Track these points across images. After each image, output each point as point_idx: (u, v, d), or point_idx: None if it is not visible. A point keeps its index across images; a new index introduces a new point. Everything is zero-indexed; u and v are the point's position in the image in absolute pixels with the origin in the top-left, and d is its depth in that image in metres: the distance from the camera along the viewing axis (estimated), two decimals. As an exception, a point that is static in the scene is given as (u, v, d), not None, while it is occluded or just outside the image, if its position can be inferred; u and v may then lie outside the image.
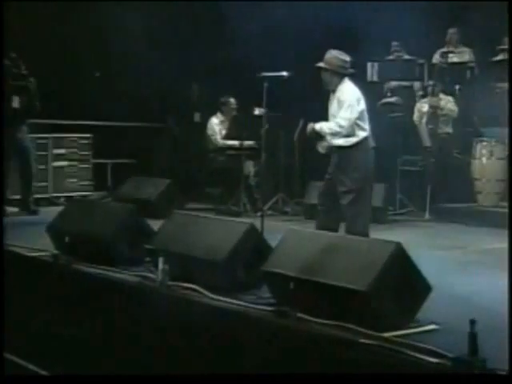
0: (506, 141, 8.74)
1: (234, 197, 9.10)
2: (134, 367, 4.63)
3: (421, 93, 10.30)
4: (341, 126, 6.16)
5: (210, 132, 9.65)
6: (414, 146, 9.36)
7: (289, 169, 9.34)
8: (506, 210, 8.57)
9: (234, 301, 4.52)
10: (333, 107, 6.28)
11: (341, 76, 6.21)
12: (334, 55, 6.23)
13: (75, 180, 10.21)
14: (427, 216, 8.71)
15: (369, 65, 10.52)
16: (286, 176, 9.26)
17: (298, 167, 9.43)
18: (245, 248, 4.84)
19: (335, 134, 6.23)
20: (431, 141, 9.23)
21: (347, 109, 6.16)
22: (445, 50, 10.37)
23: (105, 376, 4.77)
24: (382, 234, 6.47)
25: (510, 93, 7.50)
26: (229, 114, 9.65)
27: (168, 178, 9.28)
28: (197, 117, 11.05)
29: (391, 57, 10.40)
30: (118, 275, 5.30)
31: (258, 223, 5.52)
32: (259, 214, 8.76)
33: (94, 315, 5.00)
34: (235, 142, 9.29)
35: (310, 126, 6.34)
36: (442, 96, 9.42)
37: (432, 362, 3.46)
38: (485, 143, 8.73)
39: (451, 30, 10.37)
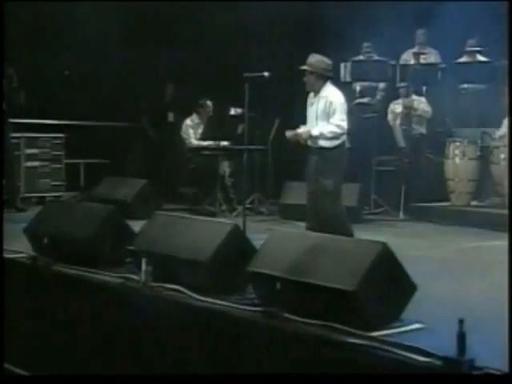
0: (478, 141, 8.89)
1: (210, 197, 9.11)
2: (120, 367, 4.63)
3: (383, 93, 10.42)
4: (342, 128, 6.37)
5: (183, 134, 9.68)
6: (388, 147, 9.45)
7: (264, 169, 9.36)
8: (478, 210, 8.73)
9: (220, 301, 4.51)
10: (318, 109, 6.41)
11: (325, 79, 6.34)
12: (319, 59, 6.39)
13: (48, 180, 10.13)
14: (401, 216, 8.81)
15: (342, 65, 10.61)
16: (261, 176, 9.28)
17: (272, 167, 9.47)
18: (229, 248, 4.83)
19: (336, 137, 6.38)
20: (405, 141, 9.32)
21: (342, 111, 6.39)
22: (414, 50, 10.49)
23: (105, 376, 4.77)
24: (358, 233, 6.53)
25: (510, 93, 7.58)
26: (204, 117, 9.68)
27: (141, 178, 9.26)
28: (171, 117, 11.04)
29: (362, 57, 10.49)
30: (99, 277, 5.25)
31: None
32: (235, 214, 8.85)
33: (77, 317, 4.97)
34: (210, 143, 9.30)
35: (306, 131, 6.40)
36: (414, 97, 9.52)
37: (421, 361, 3.49)
38: (457, 144, 8.84)
39: (420, 31, 10.50)
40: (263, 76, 6.17)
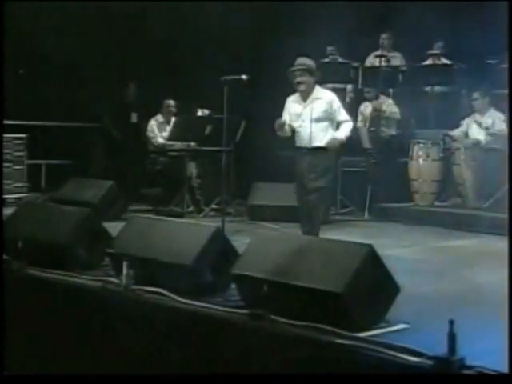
0: (441, 142, 9.06)
1: (177, 198, 9.09)
2: (108, 369, 4.62)
3: (352, 95, 10.53)
4: (352, 123, 6.73)
5: (149, 134, 9.65)
6: (355, 148, 9.55)
7: (230, 170, 9.37)
8: (441, 209, 8.90)
9: (205, 304, 4.53)
10: (314, 110, 6.53)
11: (315, 81, 6.56)
12: (311, 61, 6.52)
13: (9, 181, 9.99)
14: (367, 216, 8.93)
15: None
16: (228, 177, 9.28)
17: (237, 168, 9.50)
18: (211, 251, 4.86)
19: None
20: (372, 143, 9.44)
21: (343, 108, 6.69)
22: (378, 53, 10.63)
23: (105, 376, 4.74)
24: (327, 233, 6.61)
25: (510, 95, 7.68)
26: (168, 116, 9.67)
27: (104, 179, 9.21)
28: (134, 117, 10.98)
29: (326, 60, 10.59)
30: (77, 280, 5.23)
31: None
32: (202, 215, 8.86)
33: (58, 321, 4.94)
34: (176, 143, 9.30)
35: (336, 140, 6.51)
36: (382, 98, 9.65)
37: (412, 361, 3.56)
38: (422, 145, 8.99)
39: (384, 35, 10.67)
40: (241, 79, 6.20)
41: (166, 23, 10.76)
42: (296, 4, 10.78)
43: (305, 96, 6.57)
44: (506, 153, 8.49)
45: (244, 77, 6.24)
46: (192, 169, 9.28)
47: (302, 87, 6.55)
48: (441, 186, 9.06)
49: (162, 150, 9.41)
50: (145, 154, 10.19)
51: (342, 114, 6.59)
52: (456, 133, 8.98)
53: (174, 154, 9.22)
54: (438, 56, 10.14)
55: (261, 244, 4.65)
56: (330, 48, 10.68)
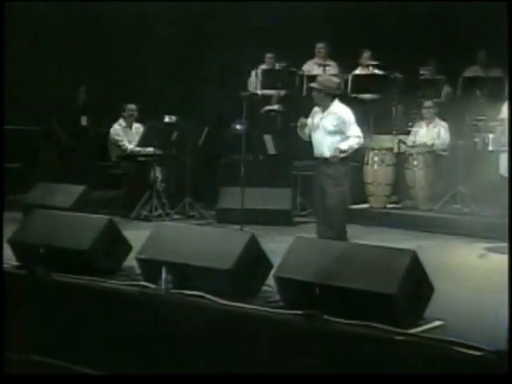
0: (395, 147, 9.65)
1: (142, 202, 9.26)
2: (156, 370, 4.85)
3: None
4: (361, 137, 7.15)
5: (116, 138, 9.81)
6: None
7: (194, 174, 9.64)
8: (395, 211, 9.50)
9: (250, 306, 4.85)
10: (327, 124, 7.06)
11: (332, 96, 6.98)
12: (327, 78, 7.11)
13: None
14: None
15: (252, 74, 11.08)
16: (192, 181, 9.55)
17: (201, 173, 9.79)
18: (248, 255, 5.17)
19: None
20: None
21: (355, 123, 7.10)
22: (315, 61, 11.14)
23: (105, 376, 4.95)
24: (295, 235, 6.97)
25: (510, 97, 8.08)
26: (130, 120, 9.85)
27: (54, 182, 9.30)
28: (84, 120, 11.04)
29: (265, 67, 11.00)
30: (109, 285, 5.42)
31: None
32: (168, 218, 9.09)
33: (101, 327, 5.12)
34: (141, 149, 9.52)
35: (337, 150, 6.98)
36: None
37: (475, 355, 4.00)
38: (376, 151, 9.55)
39: (319, 45, 11.17)
40: (257, 94, 6.56)
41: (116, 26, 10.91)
42: (235, 12, 11.14)
43: (323, 109, 7.10)
44: (453, 159, 9.26)
45: (259, 92, 6.54)
46: (157, 173, 9.47)
47: (316, 101, 7.14)
48: (393, 190, 9.64)
49: (130, 154, 9.57)
50: (95, 157, 10.34)
51: (352, 129, 7.04)
52: (408, 139, 9.59)
53: (143, 159, 9.40)
54: (368, 66, 10.71)
55: (301, 249, 5.01)
56: (268, 55, 11.10)
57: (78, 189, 8.81)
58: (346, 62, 10.91)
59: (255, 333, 4.70)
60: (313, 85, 7.19)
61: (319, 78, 7.20)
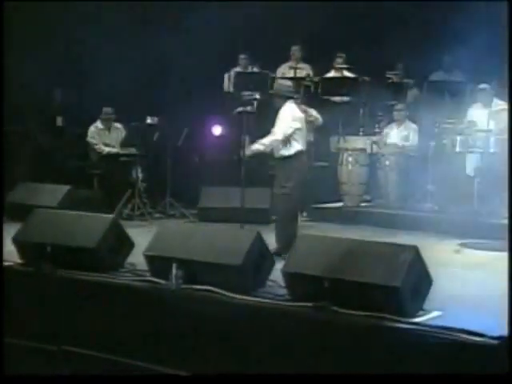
0: (368, 148, 10.02)
1: (123, 201, 9.43)
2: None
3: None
4: (276, 136, 7.15)
5: (92, 141, 9.98)
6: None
7: (174, 174, 9.85)
8: (368, 210, 9.87)
9: (261, 299, 5.13)
10: (276, 123, 7.22)
11: (284, 98, 7.20)
12: (280, 82, 7.19)
13: None
14: (304, 215, 9.72)
15: (226, 76, 11.34)
16: (173, 181, 9.76)
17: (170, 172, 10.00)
18: (254, 252, 5.46)
19: (274, 145, 7.18)
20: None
21: (285, 123, 7.19)
22: (289, 64, 11.45)
23: (105, 376, 5.18)
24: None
25: (511, 99, 8.27)
26: (108, 123, 10.05)
27: (30, 182, 9.43)
28: (59, 121, 11.16)
29: (238, 69, 11.26)
30: (118, 281, 5.64)
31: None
32: (149, 217, 9.30)
33: (108, 321, 5.33)
34: (117, 150, 9.73)
35: (249, 150, 7.29)
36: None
37: (478, 341, 4.35)
38: (350, 152, 9.90)
39: (294, 48, 11.46)
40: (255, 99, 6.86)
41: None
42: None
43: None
44: (423, 159, 9.68)
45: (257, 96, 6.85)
46: (138, 173, 9.66)
47: (276, 105, 7.36)
48: (366, 189, 10.02)
49: (111, 154, 9.76)
50: (74, 157, 10.48)
51: (276, 127, 7.19)
52: (380, 140, 9.98)
53: (125, 159, 9.59)
54: (340, 69, 11.07)
55: (306, 245, 5.31)
56: (241, 56, 11.36)
57: (63, 188, 8.93)
58: (322, 66, 11.21)
59: (269, 325, 4.97)
60: (270, 91, 7.61)
61: (275, 84, 7.64)
